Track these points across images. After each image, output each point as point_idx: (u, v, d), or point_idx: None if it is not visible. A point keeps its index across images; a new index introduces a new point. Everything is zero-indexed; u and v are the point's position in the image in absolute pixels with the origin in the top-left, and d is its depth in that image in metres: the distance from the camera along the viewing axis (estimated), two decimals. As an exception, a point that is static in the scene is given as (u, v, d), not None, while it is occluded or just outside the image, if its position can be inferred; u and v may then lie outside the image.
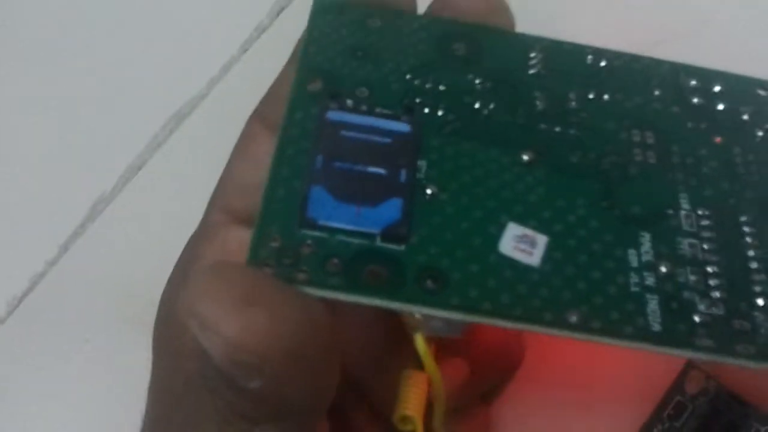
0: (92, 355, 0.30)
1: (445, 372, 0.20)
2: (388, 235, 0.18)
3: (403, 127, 0.20)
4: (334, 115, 0.20)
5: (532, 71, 0.22)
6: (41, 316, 0.31)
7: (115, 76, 0.35)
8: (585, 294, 0.18)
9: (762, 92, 0.23)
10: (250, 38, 0.36)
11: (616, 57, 0.22)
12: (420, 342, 0.19)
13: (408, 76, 0.21)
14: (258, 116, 0.22)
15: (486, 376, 0.24)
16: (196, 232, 0.22)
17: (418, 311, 0.18)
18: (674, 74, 0.22)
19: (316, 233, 0.18)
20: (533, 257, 0.18)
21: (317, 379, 0.18)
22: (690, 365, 0.25)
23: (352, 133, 0.20)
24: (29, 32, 0.37)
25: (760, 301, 0.19)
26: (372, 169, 0.19)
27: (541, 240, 0.19)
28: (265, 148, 0.20)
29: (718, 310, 0.18)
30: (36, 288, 0.32)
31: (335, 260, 0.18)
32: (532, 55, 0.22)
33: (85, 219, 0.32)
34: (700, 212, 0.20)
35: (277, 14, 0.36)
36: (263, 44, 0.36)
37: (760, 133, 0.22)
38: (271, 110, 0.21)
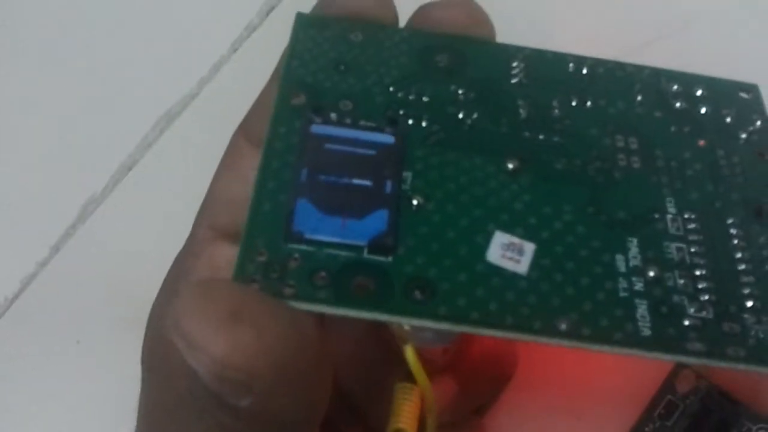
0: (83, 356, 0.30)
1: (436, 388, 0.20)
2: (375, 246, 0.18)
3: (387, 138, 0.20)
4: (317, 128, 0.20)
5: (514, 80, 0.22)
6: (32, 317, 0.31)
7: (105, 77, 0.35)
8: (574, 300, 0.18)
9: (744, 95, 0.23)
10: (240, 37, 0.36)
11: (597, 64, 0.23)
12: (410, 353, 0.19)
13: (391, 89, 0.21)
14: (243, 132, 0.22)
15: (479, 390, 0.24)
16: (183, 249, 0.22)
17: (406, 322, 0.18)
18: (656, 79, 0.22)
19: (303, 247, 0.18)
20: (521, 265, 0.18)
21: (308, 393, 0.17)
22: (681, 365, 0.25)
23: (336, 146, 0.20)
24: (20, 33, 0.37)
25: (749, 303, 0.19)
26: (357, 182, 0.19)
27: (529, 247, 0.19)
28: (251, 164, 0.20)
29: (708, 313, 0.18)
30: (27, 289, 0.31)
31: (322, 273, 0.18)
32: (514, 64, 0.22)
33: (76, 220, 0.32)
34: (686, 216, 0.20)
35: (267, 13, 0.37)
36: (253, 43, 0.36)
37: (744, 136, 0.22)
38: (256, 125, 0.21)
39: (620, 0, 0.33)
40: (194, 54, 0.35)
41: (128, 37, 0.36)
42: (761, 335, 0.18)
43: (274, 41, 0.22)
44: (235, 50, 0.36)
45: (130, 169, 0.33)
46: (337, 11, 0.22)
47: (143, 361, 0.21)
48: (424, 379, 0.19)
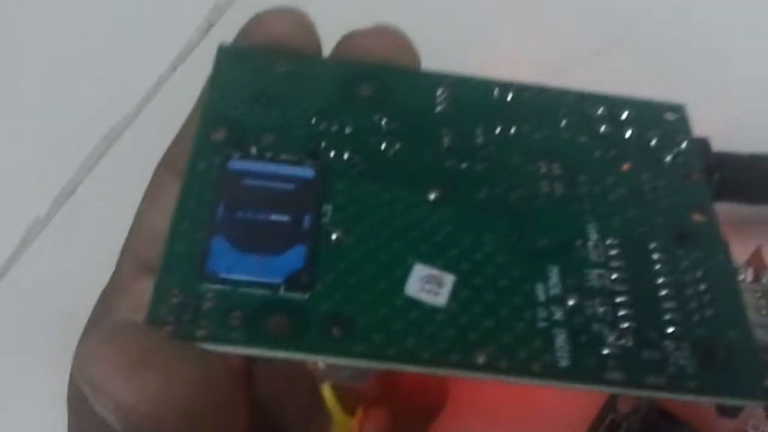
0: (29, 383, 0.29)
1: (368, 421, 0.20)
2: (292, 284, 0.18)
3: (307, 172, 0.20)
4: (236, 164, 0.20)
5: (438, 108, 0.22)
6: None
7: (43, 98, 0.35)
8: (492, 332, 0.18)
9: (670, 116, 0.23)
10: (179, 56, 0.36)
11: (522, 89, 0.22)
12: (327, 392, 0.18)
13: (313, 121, 0.21)
14: (165, 164, 0.22)
15: (410, 421, 0.24)
16: (108, 285, 0.21)
17: (322, 360, 0.18)
18: (581, 103, 0.22)
19: (218, 286, 0.18)
20: (440, 297, 0.18)
21: None
22: None
23: (254, 182, 0.19)
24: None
25: (670, 329, 0.19)
26: (275, 217, 0.19)
27: (448, 279, 0.19)
28: (175, 195, 0.19)
29: (628, 341, 0.18)
30: (-28, 315, 0.31)
31: (237, 313, 0.17)
32: (439, 92, 0.22)
33: (20, 245, 0.32)
34: (608, 242, 0.20)
35: (207, 31, 0.36)
36: (194, 62, 0.36)
37: (669, 158, 0.22)
38: (179, 157, 0.21)
39: (551, 20, 0.34)
40: (133, 74, 0.35)
41: (66, 57, 0.36)
42: (681, 362, 0.18)
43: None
44: (175, 69, 0.35)
45: (72, 192, 0.33)
46: (258, 39, 0.22)
47: (68, 400, 0.21)
48: (341, 416, 0.19)
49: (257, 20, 0.22)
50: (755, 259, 0.21)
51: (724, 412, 0.19)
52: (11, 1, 0.37)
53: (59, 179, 0.33)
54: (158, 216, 0.21)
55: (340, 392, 0.19)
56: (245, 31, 0.22)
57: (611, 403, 0.26)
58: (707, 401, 0.18)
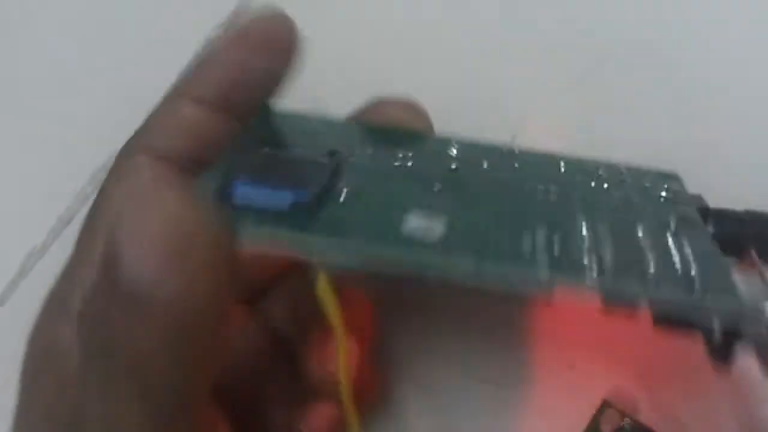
0: None
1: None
2: (297, 208, 0.20)
3: (326, 159, 0.23)
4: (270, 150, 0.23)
5: (450, 152, 0.25)
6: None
7: (40, 128, 0.36)
8: (479, 254, 0.20)
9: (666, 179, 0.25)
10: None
11: (527, 151, 0.25)
12: (322, 280, 0.20)
13: (338, 148, 0.24)
14: (143, 148, 0.22)
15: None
16: (72, 261, 0.22)
17: (319, 251, 0.20)
18: (581, 162, 0.25)
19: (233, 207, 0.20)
20: (431, 238, 0.20)
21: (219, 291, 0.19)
22: (606, 404, 0.25)
23: (282, 154, 0.23)
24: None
25: (652, 269, 0.20)
26: (293, 172, 0.22)
27: (440, 227, 0.20)
28: (151, 175, 0.21)
29: (609, 278, 0.19)
30: (-30, 344, 0.30)
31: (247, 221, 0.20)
32: (451, 146, 0.25)
33: (17, 275, 0.32)
34: (597, 225, 0.22)
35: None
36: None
37: (662, 194, 0.24)
38: (159, 140, 0.22)
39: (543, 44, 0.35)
40: (131, 103, 0.34)
41: (63, 86, 0.37)
42: (661, 294, 0.19)
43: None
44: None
45: (69, 222, 0.33)
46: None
47: (20, 379, 0.22)
48: (334, 306, 0.20)
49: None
50: (747, 261, 0.22)
51: (716, 353, 0.19)
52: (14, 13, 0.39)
53: (56, 209, 0.34)
54: (131, 191, 0.21)
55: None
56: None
57: (595, 423, 0.25)
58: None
